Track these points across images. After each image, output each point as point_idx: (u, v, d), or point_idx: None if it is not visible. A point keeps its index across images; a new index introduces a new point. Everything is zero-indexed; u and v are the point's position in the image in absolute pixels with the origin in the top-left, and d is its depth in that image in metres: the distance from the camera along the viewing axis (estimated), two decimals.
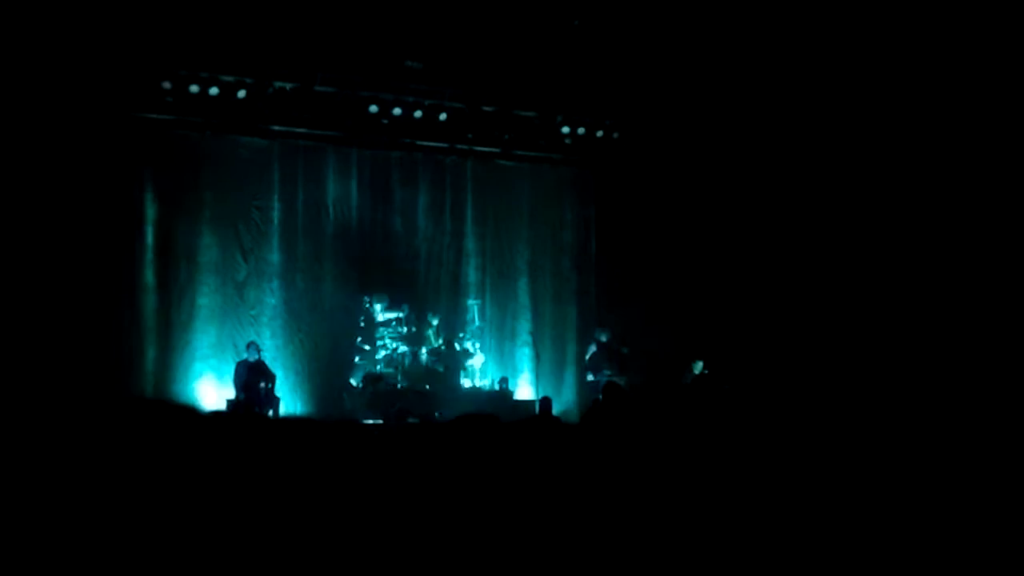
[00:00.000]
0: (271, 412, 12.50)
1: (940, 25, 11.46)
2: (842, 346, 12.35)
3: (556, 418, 11.83)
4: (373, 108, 14.16)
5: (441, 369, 13.89)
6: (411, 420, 12.33)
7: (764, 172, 14.03)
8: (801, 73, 13.01)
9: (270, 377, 12.76)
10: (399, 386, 13.65)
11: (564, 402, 15.04)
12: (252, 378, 12.54)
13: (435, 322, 14.16)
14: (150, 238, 13.27)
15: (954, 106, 11.72)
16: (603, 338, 13.99)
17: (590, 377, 13.78)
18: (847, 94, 12.68)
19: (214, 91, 13.28)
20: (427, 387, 13.62)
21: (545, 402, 12.38)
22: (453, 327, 14.58)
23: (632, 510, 3.99)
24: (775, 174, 13.89)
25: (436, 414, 12.79)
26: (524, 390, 14.94)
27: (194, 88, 13.16)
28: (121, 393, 12.22)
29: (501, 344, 15.22)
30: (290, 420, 11.53)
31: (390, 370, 13.87)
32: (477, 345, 14.51)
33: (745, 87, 13.68)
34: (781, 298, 13.62)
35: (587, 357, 14.05)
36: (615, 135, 15.61)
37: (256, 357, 12.74)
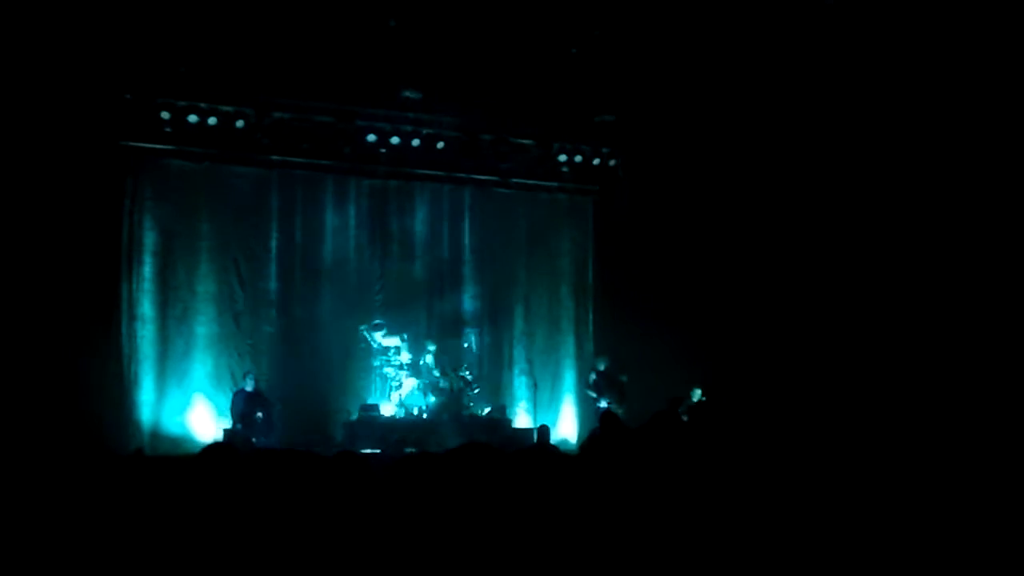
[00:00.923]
0: (268, 442, 12.44)
1: (942, 29, 11.51)
2: (845, 374, 12.31)
3: (554, 447, 11.76)
4: (371, 137, 14.23)
5: (438, 398, 13.82)
6: (408, 450, 12.26)
7: (764, 199, 14.06)
8: (800, 99, 13.07)
9: (268, 406, 12.72)
10: (396, 416, 13.60)
11: (561, 431, 14.99)
12: (250, 408, 12.52)
13: (432, 349, 14.12)
14: (148, 268, 13.29)
15: (962, 128, 11.72)
16: (601, 366, 13.96)
17: (602, 404, 13.65)
18: (849, 118, 12.73)
19: (212, 121, 13.35)
20: (425, 416, 13.56)
21: (543, 431, 12.32)
22: (450, 355, 14.54)
23: (630, 540, 3.96)
24: (775, 200, 13.92)
25: (434, 444, 12.72)
26: (522, 419, 14.88)
27: (193, 118, 13.24)
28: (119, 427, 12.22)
29: (498, 372, 15.19)
30: (286, 451, 11.46)
31: (387, 399, 13.83)
32: (474, 373, 14.46)
33: (744, 114, 13.74)
34: (781, 324, 13.60)
35: (586, 385, 14.00)
36: (612, 163, 15.68)
37: (253, 386, 12.72)
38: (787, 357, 13.27)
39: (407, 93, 13.99)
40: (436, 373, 14.00)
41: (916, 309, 12.09)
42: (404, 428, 13.09)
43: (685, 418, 12.68)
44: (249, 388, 12.68)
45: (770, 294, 13.89)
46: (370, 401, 13.76)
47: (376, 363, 14.05)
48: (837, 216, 13.19)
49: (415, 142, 14.46)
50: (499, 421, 14.05)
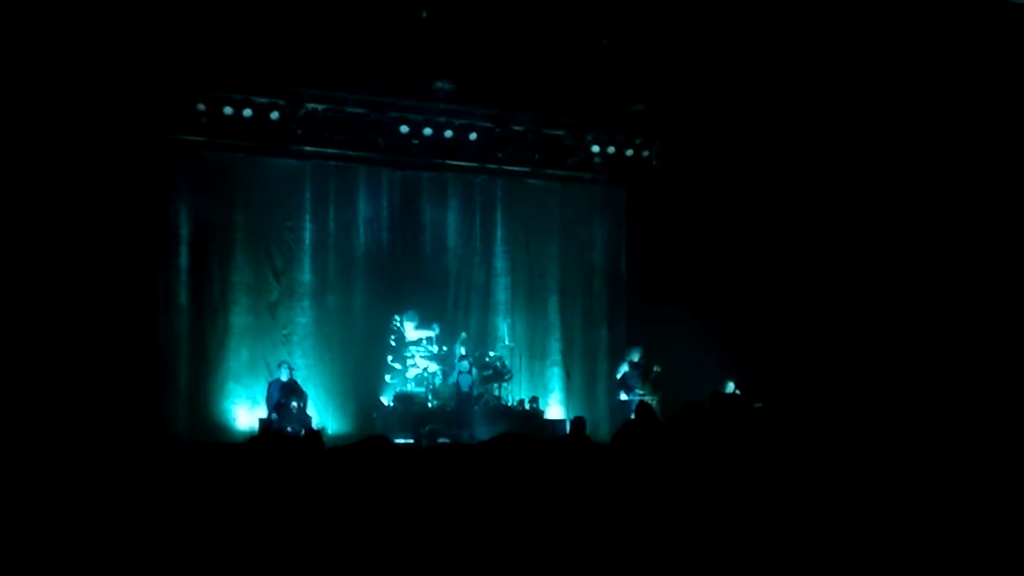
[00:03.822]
0: (303, 431, 12.52)
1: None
2: (878, 367, 12.19)
3: (588, 438, 11.71)
4: (404, 128, 14.26)
5: (471, 389, 13.83)
6: (441, 440, 12.30)
7: (798, 190, 13.92)
8: (835, 90, 12.91)
9: (302, 396, 12.80)
10: (429, 405, 13.64)
11: (594, 422, 14.95)
12: (284, 397, 12.60)
13: (463, 338, 14.12)
14: (184, 259, 13.42)
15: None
16: (635, 357, 13.90)
17: (623, 396, 13.65)
18: (885, 111, 12.55)
19: (247, 113, 13.45)
20: (457, 407, 13.59)
21: (578, 422, 12.26)
22: (483, 346, 14.57)
23: (665, 532, 3.94)
24: (809, 191, 13.79)
25: (466, 435, 12.75)
26: (554, 409, 14.88)
27: (228, 110, 13.34)
28: (155, 416, 12.34)
29: (531, 363, 15.18)
30: (322, 442, 11.53)
31: (420, 389, 13.87)
32: (507, 364, 14.46)
33: (778, 104, 13.60)
34: (815, 317, 13.48)
35: (619, 376, 13.95)
36: (645, 153, 15.59)
37: (288, 376, 12.80)
38: (821, 349, 13.15)
39: (439, 84, 13.99)
40: (469, 364, 14.00)
41: (953, 304, 11.92)
42: (437, 418, 13.12)
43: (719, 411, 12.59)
44: (283, 378, 12.76)
45: (804, 286, 13.77)
46: (403, 391, 13.82)
47: (409, 353, 14.11)
48: (871, 209, 13.04)
49: (448, 133, 14.46)
50: (532, 412, 14.06)
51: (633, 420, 8.20)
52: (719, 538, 3.97)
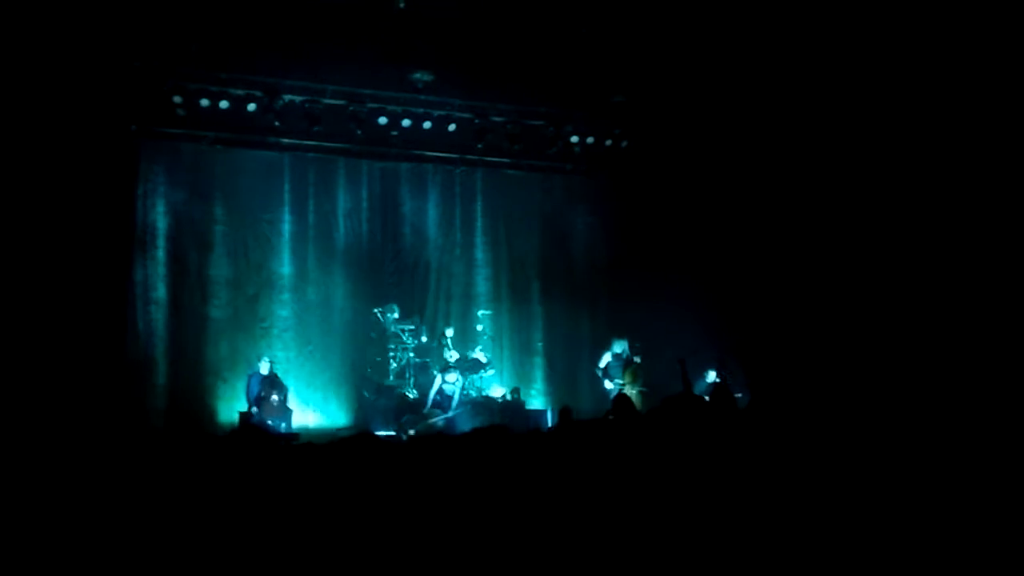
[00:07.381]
0: (284, 424, 12.50)
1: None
2: (858, 354, 12.26)
3: (572, 428, 11.68)
4: (382, 120, 14.21)
5: (454, 380, 13.81)
6: (423, 432, 12.29)
7: (775, 178, 13.97)
8: (811, 79, 12.96)
9: (282, 389, 12.76)
10: (411, 397, 13.63)
11: (576, 412, 14.96)
12: (264, 390, 12.56)
13: (449, 333, 14.10)
14: (161, 252, 13.32)
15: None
16: (617, 348, 13.92)
17: (608, 385, 13.66)
18: (860, 100, 12.61)
19: (224, 105, 13.36)
20: (439, 399, 13.58)
21: (564, 412, 12.17)
22: (464, 338, 14.55)
23: (645, 522, 3.96)
24: (786, 180, 13.84)
25: (448, 426, 12.76)
26: (536, 400, 14.89)
27: (205, 102, 13.24)
28: (137, 410, 12.26)
29: (513, 354, 15.20)
30: (301, 436, 11.56)
31: (401, 381, 13.85)
32: (489, 355, 14.46)
33: (754, 94, 13.64)
34: (794, 305, 13.55)
35: (601, 367, 13.97)
36: (624, 144, 15.61)
37: (268, 369, 12.75)
38: (802, 338, 13.22)
39: (418, 75, 13.94)
40: (454, 355, 13.98)
41: (936, 288, 12.00)
42: (418, 410, 13.11)
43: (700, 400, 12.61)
44: (263, 371, 12.71)
45: (784, 274, 13.83)
46: (384, 383, 13.79)
47: (390, 345, 14.08)
48: (852, 197, 13.10)
49: (426, 124, 14.43)
50: (514, 403, 14.06)
51: (612, 411, 8.23)
52: (699, 529, 3.99)
